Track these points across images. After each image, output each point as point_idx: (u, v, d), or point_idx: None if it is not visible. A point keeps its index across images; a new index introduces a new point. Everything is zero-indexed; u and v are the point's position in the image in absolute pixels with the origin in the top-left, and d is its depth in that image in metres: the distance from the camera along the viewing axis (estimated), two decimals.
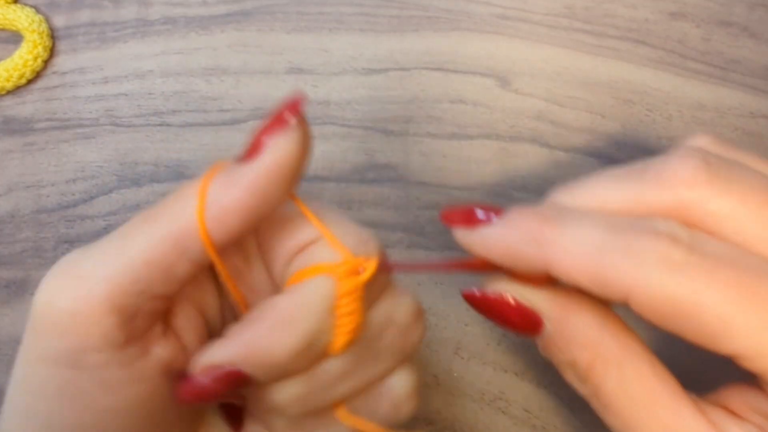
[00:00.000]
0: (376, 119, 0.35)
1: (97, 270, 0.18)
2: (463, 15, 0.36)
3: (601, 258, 0.18)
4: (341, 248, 0.19)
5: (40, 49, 0.36)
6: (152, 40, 0.37)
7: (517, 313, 0.20)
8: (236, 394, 0.21)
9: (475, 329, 0.32)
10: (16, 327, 0.33)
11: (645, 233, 0.18)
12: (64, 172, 0.35)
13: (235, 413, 0.23)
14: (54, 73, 0.36)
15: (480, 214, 0.20)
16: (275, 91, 0.35)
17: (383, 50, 0.36)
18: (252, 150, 0.19)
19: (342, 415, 0.21)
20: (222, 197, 0.18)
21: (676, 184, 0.19)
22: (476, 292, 0.21)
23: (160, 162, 0.35)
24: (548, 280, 0.20)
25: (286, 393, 0.20)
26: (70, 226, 0.34)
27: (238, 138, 0.35)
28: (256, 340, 0.18)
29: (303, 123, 0.19)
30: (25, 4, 0.37)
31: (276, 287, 0.21)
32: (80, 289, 0.18)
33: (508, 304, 0.21)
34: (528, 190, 0.34)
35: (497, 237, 0.20)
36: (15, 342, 0.33)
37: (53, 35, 0.37)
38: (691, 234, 0.18)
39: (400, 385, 0.21)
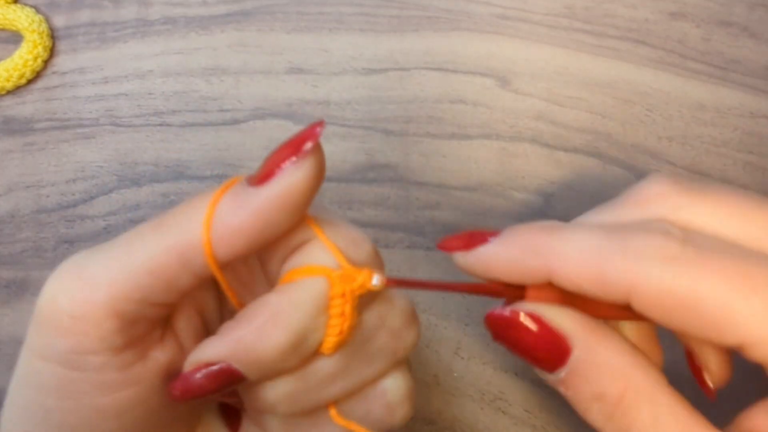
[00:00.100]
0: (376, 119, 0.35)
1: (100, 274, 0.18)
2: (463, 15, 0.36)
3: (601, 258, 0.18)
4: (337, 254, 0.20)
5: (40, 49, 0.36)
6: (152, 40, 0.37)
7: (546, 336, 0.19)
8: (231, 393, 0.22)
9: (475, 329, 0.32)
10: (16, 327, 0.33)
11: (640, 232, 0.19)
12: (64, 172, 0.35)
13: (232, 414, 0.23)
14: (54, 73, 0.36)
15: (477, 236, 0.21)
16: (275, 91, 0.35)
17: (383, 50, 0.36)
18: (265, 173, 0.19)
19: (335, 416, 0.21)
20: (230, 218, 0.19)
21: (651, 200, 0.20)
22: (503, 311, 0.20)
23: (160, 162, 0.35)
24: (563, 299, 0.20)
25: (277, 391, 0.20)
26: (70, 226, 0.34)
27: (238, 138, 0.35)
28: (246, 337, 0.19)
29: (318, 152, 0.19)
30: (25, 4, 0.37)
31: (272, 287, 0.21)
32: (82, 292, 0.18)
33: (538, 324, 0.19)
34: (528, 190, 0.34)
35: (497, 253, 0.20)
36: (15, 342, 0.33)
37: (53, 35, 0.37)
38: (683, 230, 0.19)
39: (393, 388, 0.21)
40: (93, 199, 0.34)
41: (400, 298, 0.21)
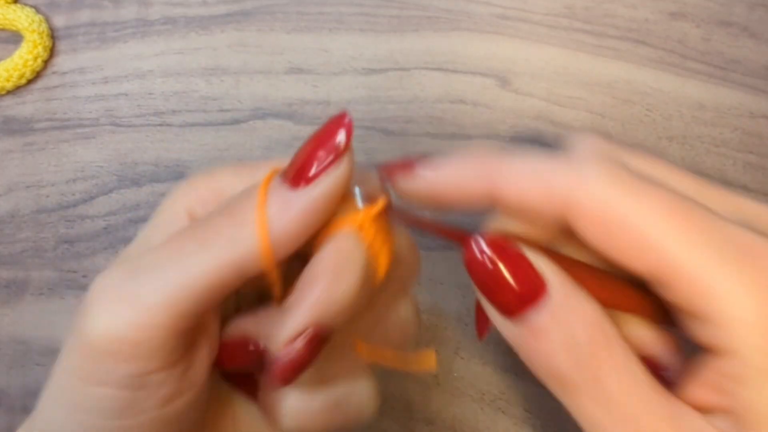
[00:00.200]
0: (376, 119, 0.35)
1: (157, 298, 0.19)
2: (463, 15, 0.36)
3: (548, 174, 0.19)
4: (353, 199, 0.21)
5: (40, 49, 0.36)
6: (152, 40, 0.37)
7: (524, 270, 0.19)
8: (254, 364, 0.23)
9: (474, 329, 0.32)
10: (16, 327, 0.33)
11: (588, 156, 0.20)
12: (64, 172, 0.35)
13: (248, 384, 0.24)
14: (54, 73, 0.36)
15: (420, 160, 0.21)
16: (275, 91, 0.35)
17: (383, 50, 0.36)
18: (300, 171, 0.19)
19: (361, 349, 0.21)
20: (278, 222, 0.19)
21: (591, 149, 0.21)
22: (487, 238, 0.20)
23: (160, 162, 0.35)
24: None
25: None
26: (70, 226, 0.34)
27: (238, 138, 0.35)
28: (323, 295, 0.19)
29: (350, 144, 0.19)
30: (25, 4, 0.37)
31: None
32: (142, 319, 0.18)
33: (519, 256, 0.19)
34: None
35: (445, 175, 0.20)
36: (15, 342, 0.33)
37: (53, 35, 0.37)
38: (626, 162, 0.20)
39: (405, 312, 0.23)
40: (93, 199, 0.34)
41: (400, 232, 0.22)
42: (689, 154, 0.34)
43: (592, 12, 0.36)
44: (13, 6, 0.36)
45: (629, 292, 0.21)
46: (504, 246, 0.19)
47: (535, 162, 0.20)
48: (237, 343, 0.21)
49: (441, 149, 0.34)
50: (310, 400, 0.22)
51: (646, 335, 0.21)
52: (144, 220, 0.22)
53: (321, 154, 0.19)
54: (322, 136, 0.20)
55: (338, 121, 0.20)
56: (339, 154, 0.19)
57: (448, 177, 0.20)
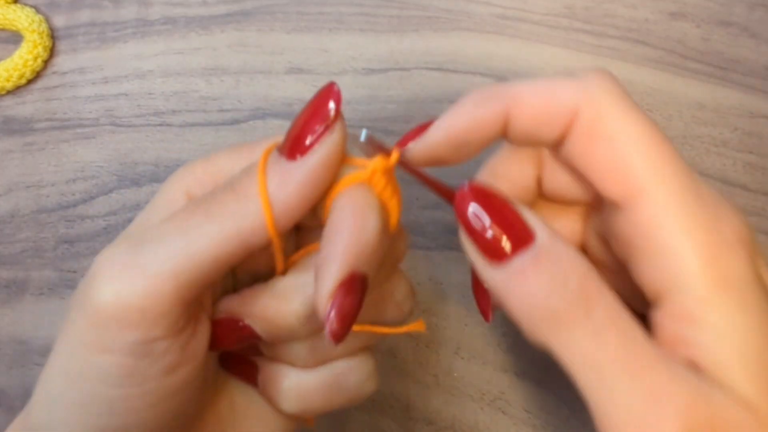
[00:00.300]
0: (376, 119, 0.35)
1: (163, 266, 0.19)
2: (463, 15, 0.36)
3: (557, 88, 0.20)
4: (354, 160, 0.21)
5: (40, 49, 0.36)
6: (152, 40, 0.37)
7: (511, 217, 0.20)
8: (252, 345, 0.23)
9: (475, 329, 0.32)
10: (16, 327, 0.33)
11: (594, 76, 0.21)
12: (64, 172, 0.35)
13: (247, 370, 0.24)
14: (54, 73, 0.36)
15: (430, 121, 0.22)
16: (275, 91, 0.35)
17: (383, 50, 0.36)
18: (295, 143, 0.20)
19: (356, 327, 0.22)
20: (280, 194, 0.20)
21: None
22: (475, 184, 0.20)
23: (160, 162, 0.35)
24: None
25: (302, 307, 0.21)
26: (70, 226, 0.34)
27: (238, 138, 0.35)
28: (350, 243, 0.19)
29: (340, 112, 0.20)
30: (25, 4, 0.37)
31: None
32: (149, 287, 0.19)
33: (506, 203, 0.20)
34: None
35: (461, 113, 0.21)
36: (15, 342, 0.33)
37: (53, 35, 0.37)
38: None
39: (399, 288, 0.24)
40: (93, 199, 0.34)
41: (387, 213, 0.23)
42: (689, 154, 0.34)
43: (592, 12, 0.36)
44: (13, 6, 0.36)
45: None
46: (491, 192, 0.20)
47: (545, 80, 0.21)
48: (228, 320, 0.22)
49: None
50: (308, 379, 0.23)
51: None
52: None
53: (314, 124, 0.20)
54: (314, 108, 0.20)
55: (327, 91, 0.20)
56: (331, 122, 0.20)
57: (464, 114, 0.21)
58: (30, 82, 0.36)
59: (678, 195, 0.19)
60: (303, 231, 0.24)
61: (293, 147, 0.20)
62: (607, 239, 0.23)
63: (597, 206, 0.24)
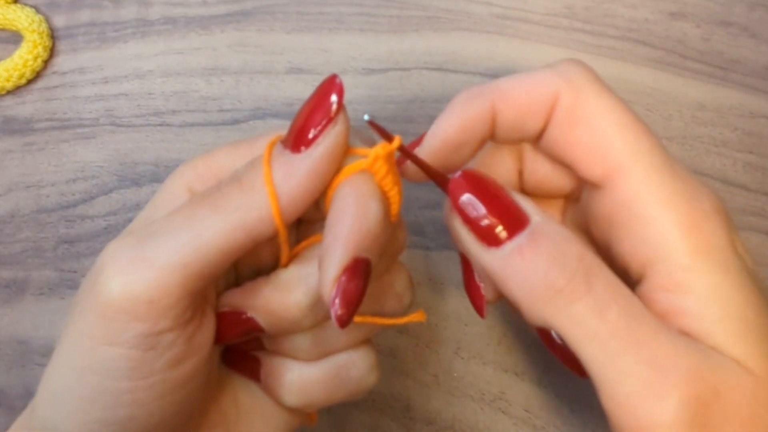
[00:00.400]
0: (376, 119, 0.35)
1: (171, 258, 0.19)
2: (463, 15, 0.36)
3: (539, 79, 0.22)
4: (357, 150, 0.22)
5: (40, 49, 0.36)
6: (152, 40, 0.37)
7: (506, 201, 0.20)
8: (254, 340, 0.23)
9: (475, 329, 0.32)
10: (16, 327, 0.33)
11: (572, 64, 0.22)
12: (64, 172, 0.35)
13: (250, 367, 0.24)
14: (54, 73, 0.36)
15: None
16: (275, 91, 0.35)
17: (383, 50, 0.36)
18: (299, 135, 0.20)
19: (358, 318, 0.22)
20: (287, 187, 0.20)
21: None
22: (470, 170, 0.21)
23: (160, 162, 0.35)
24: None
25: (305, 298, 0.22)
26: (70, 226, 0.34)
27: (238, 138, 0.35)
28: (354, 230, 0.20)
29: (343, 104, 0.20)
30: (25, 4, 0.37)
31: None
32: (156, 278, 0.19)
33: (500, 188, 0.20)
34: None
35: (451, 118, 0.22)
36: (15, 342, 0.33)
37: (53, 35, 0.37)
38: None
39: (399, 279, 0.24)
40: (93, 199, 0.34)
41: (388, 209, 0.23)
42: (689, 154, 0.34)
43: (592, 12, 0.36)
44: (13, 6, 0.36)
45: None
46: (484, 179, 0.21)
47: (525, 74, 0.22)
48: (231, 313, 0.22)
49: None
50: (311, 372, 0.23)
51: None
52: None
53: (317, 116, 0.20)
54: (316, 100, 0.21)
55: (329, 84, 0.21)
56: (334, 115, 0.20)
57: (454, 117, 0.22)
58: (30, 82, 0.36)
59: (655, 170, 0.20)
60: (304, 223, 0.24)
61: (297, 139, 0.20)
62: (587, 227, 0.23)
63: (575, 196, 0.24)
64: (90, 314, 0.20)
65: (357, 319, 0.21)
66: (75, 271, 0.34)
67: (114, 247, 0.20)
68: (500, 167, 0.25)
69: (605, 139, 0.20)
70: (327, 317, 0.22)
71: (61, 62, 0.37)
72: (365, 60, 0.36)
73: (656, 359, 0.18)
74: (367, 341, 0.24)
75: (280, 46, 0.36)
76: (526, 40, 0.36)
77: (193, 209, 0.20)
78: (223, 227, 0.20)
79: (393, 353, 0.32)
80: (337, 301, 0.19)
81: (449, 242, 0.33)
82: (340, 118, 0.20)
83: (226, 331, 0.22)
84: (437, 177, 0.22)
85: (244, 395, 0.24)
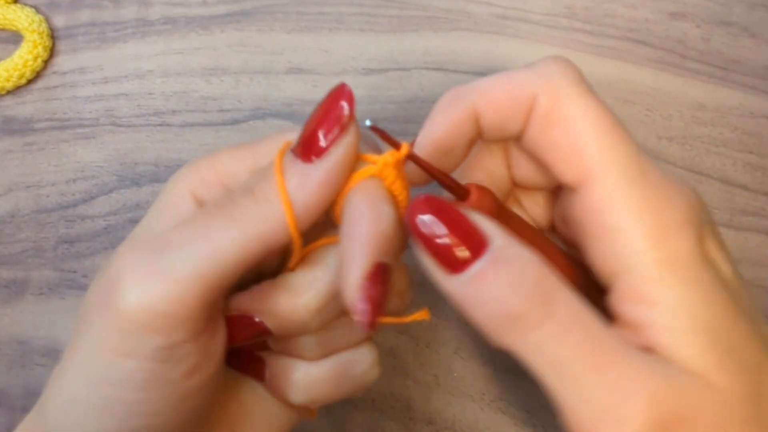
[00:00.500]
0: (376, 119, 0.35)
1: (189, 271, 0.19)
2: (463, 15, 0.36)
3: (518, 78, 0.22)
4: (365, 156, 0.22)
5: (40, 49, 0.36)
6: (152, 40, 0.37)
7: (465, 225, 0.19)
8: (259, 341, 0.24)
9: (475, 329, 0.32)
10: (16, 327, 0.33)
11: (552, 63, 0.22)
12: (64, 172, 0.35)
13: (254, 368, 0.25)
14: (54, 73, 0.36)
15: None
16: (275, 91, 0.35)
17: (383, 50, 0.36)
18: (309, 144, 0.20)
19: None
20: (301, 197, 0.20)
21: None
22: (427, 197, 0.20)
23: (160, 162, 0.35)
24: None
25: (314, 301, 0.22)
26: (70, 226, 0.34)
27: (238, 138, 0.35)
28: (371, 235, 0.20)
29: (354, 114, 0.21)
30: (25, 4, 0.37)
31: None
32: (174, 291, 0.19)
33: (457, 213, 0.20)
34: None
35: (434, 121, 0.22)
36: (15, 342, 0.33)
37: (53, 35, 0.37)
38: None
39: (401, 279, 0.24)
40: (93, 199, 0.34)
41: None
42: (689, 154, 0.34)
43: (592, 12, 0.36)
44: (13, 6, 0.36)
45: (561, 260, 0.23)
46: (444, 203, 0.20)
47: (505, 73, 0.22)
48: (240, 317, 0.22)
49: None
50: (316, 371, 0.23)
51: None
52: None
53: (327, 125, 0.20)
54: (327, 109, 0.21)
55: (339, 92, 0.21)
56: (346, 124, 0.20)
57: (439, 120, 0.22)
58: (30, 82, 0.36)
59: (627, 179, 0.20)
60: (310, 227, 0.24)
61: (308, 149, 0.20)
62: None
63: (557, 192, 0.24)
64: (106, 326, 0.20)
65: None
66: (75, 271, 0.34)
67: (128, 258, 0.20)
68: (491, 163, 0.25)
69: (580, 144, 0.20)
70: (334, 319, 0.23)
71: (61, 62, 0.37)
72: (365, 60, 0.36)
73: (618, 384, 0.18)
74: (368, 339, 0.24)
75: (280, 46, 0.36)
76: (526, 40, 0.36)
77: (207, 220, 0.20)
78: (239, 238, 0.20)
79: (393, 353, 0.32)
80: (362, 306, 0.19)
81: None
82: (352, 127, 0.20)
83: (235, 334, 0.22)
84: (447, 181, 0.22)
85: (247, 395, 0.25)
